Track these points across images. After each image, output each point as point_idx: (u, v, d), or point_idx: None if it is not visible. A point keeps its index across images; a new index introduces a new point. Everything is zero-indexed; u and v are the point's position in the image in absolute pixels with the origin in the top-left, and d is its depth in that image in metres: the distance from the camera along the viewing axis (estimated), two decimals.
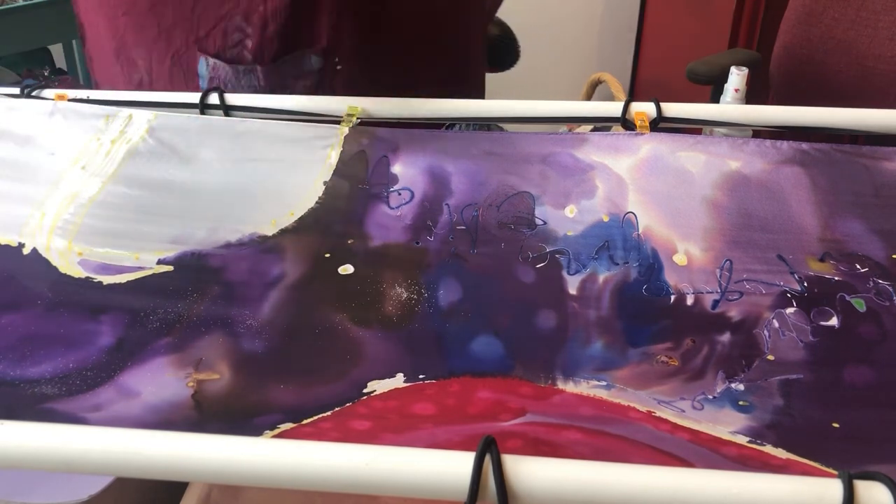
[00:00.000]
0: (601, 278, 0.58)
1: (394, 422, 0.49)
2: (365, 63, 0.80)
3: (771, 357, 0.52)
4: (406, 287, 0.58)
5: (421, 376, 0.52)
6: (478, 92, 1.01)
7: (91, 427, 0.39)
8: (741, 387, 0.51)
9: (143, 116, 0.70)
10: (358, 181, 0.65)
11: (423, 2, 0.84)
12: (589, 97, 1.89)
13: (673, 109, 0.69)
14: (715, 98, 1.37)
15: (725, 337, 0.54)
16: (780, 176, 0.62)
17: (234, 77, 0.78)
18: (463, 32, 0.90)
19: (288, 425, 0.48)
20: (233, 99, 0.73)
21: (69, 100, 0.73)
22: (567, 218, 0.62)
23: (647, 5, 2.22)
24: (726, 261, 0.58)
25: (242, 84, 0.78)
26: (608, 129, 0.72)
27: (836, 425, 0.48)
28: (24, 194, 0.65)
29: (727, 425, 0.49)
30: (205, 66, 0.79)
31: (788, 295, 0.55)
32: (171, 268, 0.60)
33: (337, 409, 0.50)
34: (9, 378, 0.51)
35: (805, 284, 0.56)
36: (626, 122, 0.68)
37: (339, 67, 0.79)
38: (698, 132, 0.73)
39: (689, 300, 0.56)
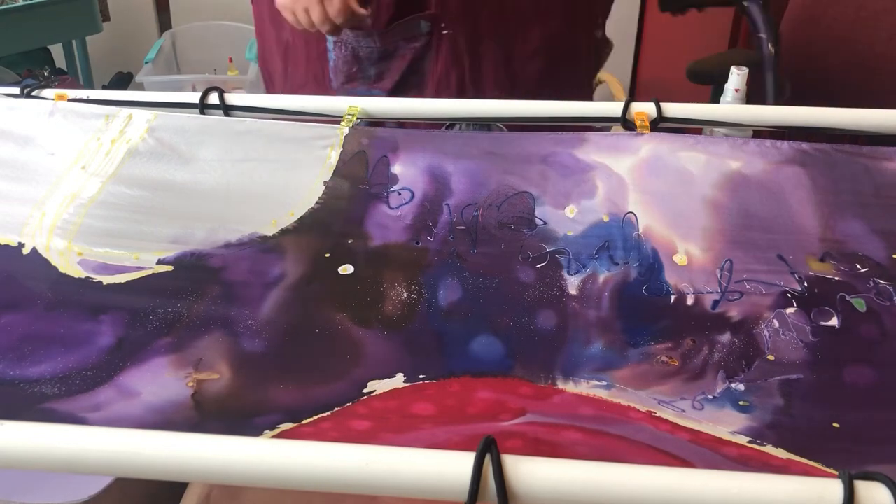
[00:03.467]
0: (601, 278, 0.58)
1: (394, 422, 0.49)
2: (468, 30, 0.87)
3: (771, 357, 0.52)
4: (406, 287, 0.58)
5: (421, 376, 0.52)
6: (581, 91, 1.03)
7: (91, 427, 0.39)
8: (741, 387, 0.51)
9: (142, 116, 0.70)
10: (358, 181, 0.65)
11: None
12: (589, 97, 1.89)
13: (673, 109, 0.69)
14: (715, 98, 1.37)
15: (725, 337, 0.54)
16: (780, 176, 0.62)
17: (355, 40, 0.87)
18: (569, 18, 0.93)
19: (288, 425, 0.48)
20: (233, 99, 0.73)
21: (69, 100, 0.73)
22: (567, 218, 0.62)
23: (646, 5, 2.22)
24: (727, 261, 0.58)
25: (362, 45, 0.88)
26: (608, 129, 0.72)
27: (836, 425, 0.48)
28: (24, 194, 0.65)
29: (727, 425, 0.49)
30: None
31: (789, 295, 0.55)
32: (171, 268, 0.60)
33: (337, 409, 0.50)
34: (9, 378, 0.51)
35: (805, 284, 0.56)
36: (626, 122, 0.68)
37: (444, 32, 0.87)
38: (698, 132, 0.73)
39: (690, 300, 0.56)
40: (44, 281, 0.59)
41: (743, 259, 0.57)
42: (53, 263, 0.60)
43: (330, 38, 0.88)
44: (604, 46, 1.04)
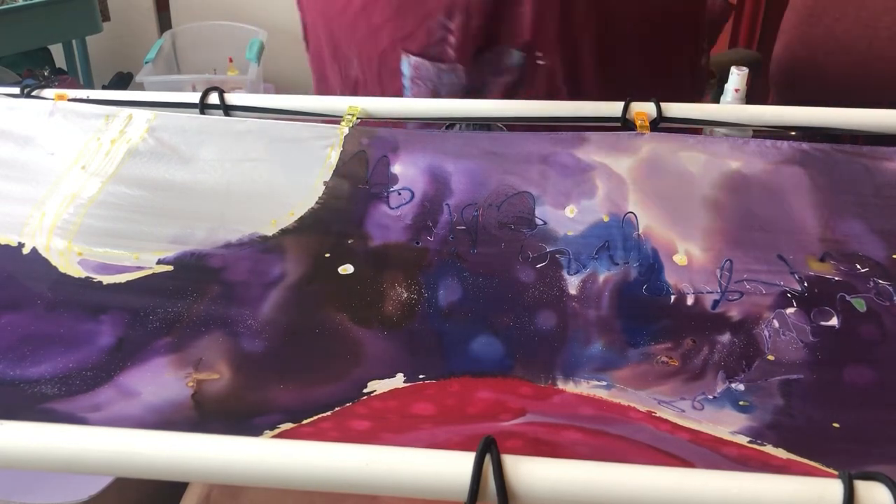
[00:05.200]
0: (601, 278, 0.58)
1: (394, 422, 0.49)
2: (567, 58, 0.76)
3: (771, 357, 0.52)
4: (406, 287, 0.58)
5: (421, 376, 0.52)
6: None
7: (91, 427, 0.39)
8: (741, 387, 0.51)
9: (142, 116, 0.70)
10: (358, 181, 0.65)
11: (639, 3, 0.77)
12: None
13: (673, 109, 0.69)
14: (715, 98, 1.37)
15: (725, 337, 0.54)
16: (780, 176, 0.62)
17: (436, 75, 0.77)
18: (673, 45, 0.83)
19: (288, 425, 0.48)
20: (233, 99, 0.73)
21: (69, 100, 0.73)
22: (567, 218, 0.62)
23: None
24: (726, 261, 0.58)
25: (444, 81, 0.77)
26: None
27: (836, 425, 0.48)
28: (24, 194, 0.65)
29: (727, 425, 0.49)
30: (407, 64, 0.78)
31: (789, 295, 0.55)
32: (171, 268, 0.60)
33: (337, 409, 0.50)
34: (9, 378, 0.51)
35: (805, 284, 0.56)
36: (626, 122, 0.68)
37: (540, 63, 0.76)
38: (698, 132, 0.73)
39: (690, 300, 0.56)
40: (44, 281, 0.59)
41: (743, 259, 0.57)
42: (53, 263, 0.60)
43: (406, 74, 0.78)
44: (706, 74, 0.94)
